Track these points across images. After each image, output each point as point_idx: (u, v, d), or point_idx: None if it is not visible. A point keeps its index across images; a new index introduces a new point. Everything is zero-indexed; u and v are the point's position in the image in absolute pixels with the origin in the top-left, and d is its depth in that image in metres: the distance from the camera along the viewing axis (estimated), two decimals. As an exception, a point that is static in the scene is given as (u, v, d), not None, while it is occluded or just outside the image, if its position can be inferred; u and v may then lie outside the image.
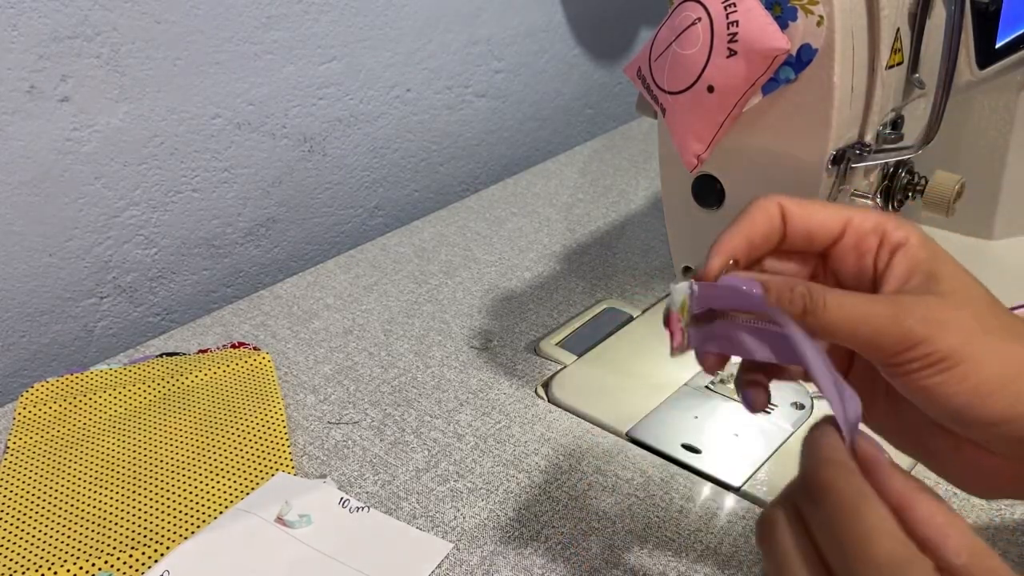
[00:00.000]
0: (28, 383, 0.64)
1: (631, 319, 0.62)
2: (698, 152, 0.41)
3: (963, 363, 0.30)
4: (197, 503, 0.48)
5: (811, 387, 0.53)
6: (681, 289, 0.33)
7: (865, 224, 0.33)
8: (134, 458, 0.51)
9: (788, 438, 0.50)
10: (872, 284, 0.33)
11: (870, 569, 0.26)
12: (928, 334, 0.30)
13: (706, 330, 0.33)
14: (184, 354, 0.61)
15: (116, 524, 0.47)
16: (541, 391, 0.56)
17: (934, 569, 0.26)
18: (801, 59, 0.38)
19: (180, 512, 0.47)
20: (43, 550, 0.45)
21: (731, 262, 0.33)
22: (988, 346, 0.30)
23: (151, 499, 0.48)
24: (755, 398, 0.33)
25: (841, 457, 0.29)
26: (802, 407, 0.52)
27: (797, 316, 0.31)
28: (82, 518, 0.47)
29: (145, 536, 0.46)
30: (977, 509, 0.45)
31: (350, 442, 0.52)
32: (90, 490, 0.49)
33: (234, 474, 0.50)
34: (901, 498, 0.28)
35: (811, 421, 0.51)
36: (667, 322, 0.33)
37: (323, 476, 0.50)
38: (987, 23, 0.49)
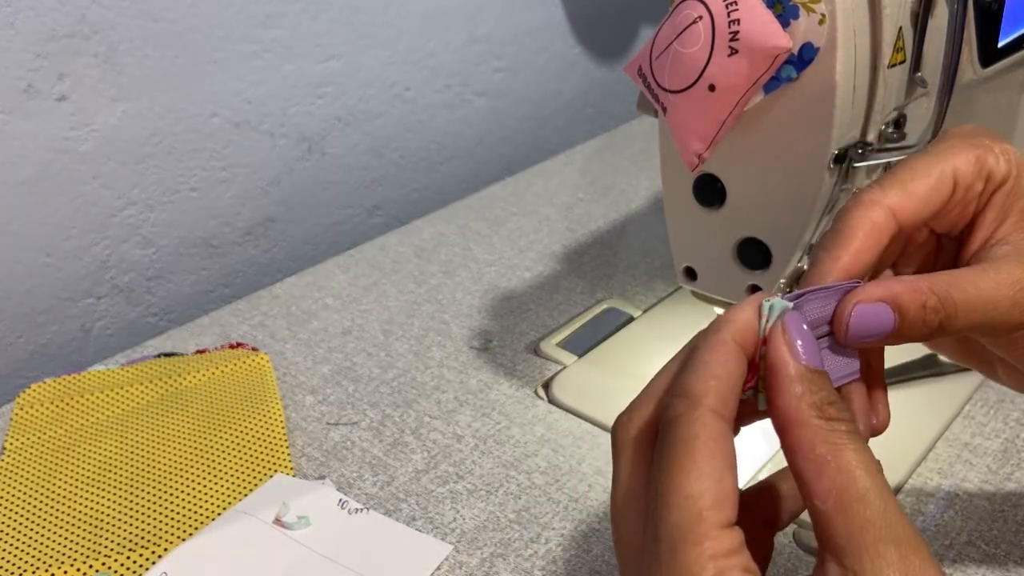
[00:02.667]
0: (25, 383, 0.63)
1: (632, 319, 0.62)
2: (699, 151, 0.41)
3: None
4: (195, 504, 0.47)
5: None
6: (777, 308, 0.27)
7: (968, 173, 0.30)
8: (132, 459, 0.51)
9: (789, 439, 0.50)
10: (969, 225, 0.32)
11: (660, 531, 0.24)
12: None
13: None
14: (182, 354, 0.60)
15: (114, 525, 0.46)
16: (541, 392, 0.56)
17: (725, 554, 0.24)
18: (803, 58, 0.38)
19: (178, 513, 0.47)
20: (41, 551, 0.45)
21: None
22: None
23: (149, 500, 0.48)
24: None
25: (712, 376, 0.26)
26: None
27: (928, 335, 0.29)
28: (80, 519, 0.47)
29: (143, 537, 0.46)
30: (980, 510, 0.45)
31: (349, 443, 0.52)
32: (88, 491, 0.49)
33: (232, 475, 0.49)
34: (786, 418, 0.26)
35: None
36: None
37: (322, 477, 0.49)
38: (990, 22, 0.48)
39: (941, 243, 0.34)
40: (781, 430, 0.26)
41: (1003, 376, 0.34)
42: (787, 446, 0.25)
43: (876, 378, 0.32)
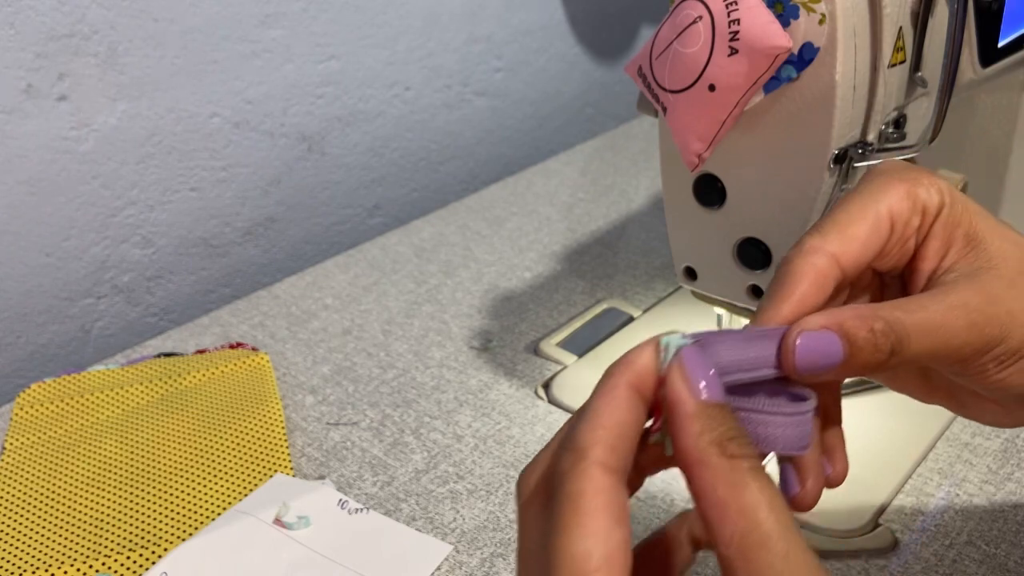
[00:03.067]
0: (25, 384, 0.64)
1: (632, 319, 0.62)
2: (699, 151, 0.41)
3: None
4: (195, 504, 0.47)
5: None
6: (674, 344, 0.25)
7: (903, 210, 0.30)
8: (132, 459, 0.51)
9: (789, 439, 0.50)
10: (910, 259, 0.31)
11: None
12: (1003, 334, 0.28)
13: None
14: (182, 354, 0.60)
15: (114, 525, 0.46)
16: (541, 392, 0.56)
17: None
18: (803, 58, 0.38)
19: (178, 513, 0.47)
20: (41, 552, 0.45)
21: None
22: None
23: (149, 500, 0.48)
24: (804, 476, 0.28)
25: (599, 426, 0.25)
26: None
27: (883, 362, 0.27)
28: (80, 519, 0.47)
29: (143, 537, 0.45)
30: (980, 510, 0.45)
31: (349, 443, 0.52)
32: (88, 491, 0.49)
33: (232, 475, 0.49)
34: (686, 458, 0.24)
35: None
36: (657, 412, 0.26)
37: (322, 477, 0.49)
38: (990, 22, 0.48)
39: (885, 283, 0.34)
40: (684, 471, 0.24)
41: (974, 410, 0.33)
42: (691, 488, 0.24)
43: (832, 422, 0.32)
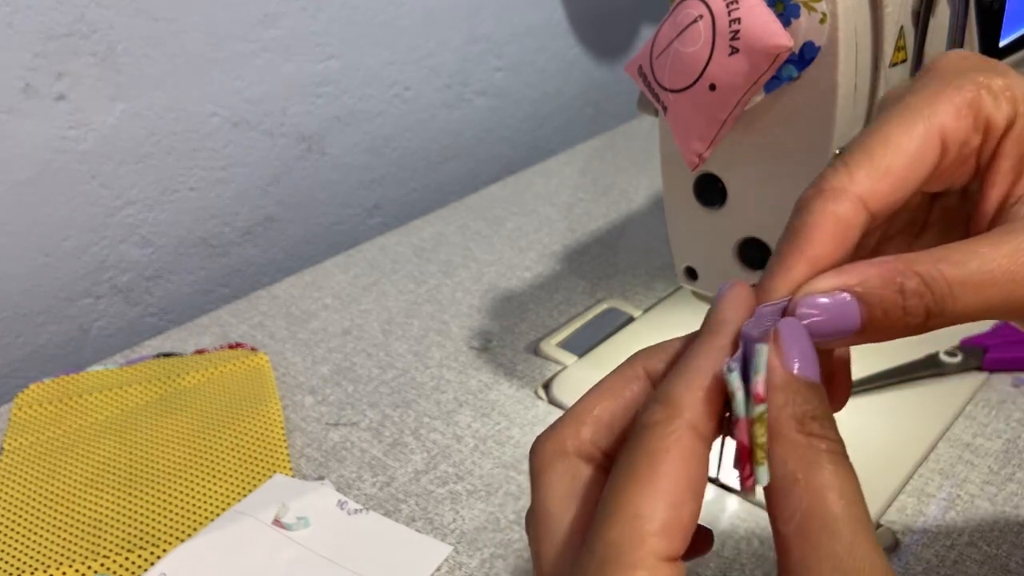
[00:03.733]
0: (23, 384, 0.63)
1: (632, 319, 0.62)
2: (699, 151, 0.41)
3: None
4: (194, 505, 0.47)
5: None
6: (762, 355, 0.22)
7: (959, 129, 0.24)
8: (131, 459, 0.51)
9: (790, 439, 0.50)
10: (970, 184, 0.26)
11: (595, 544, 0.21)
12: None
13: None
14: (181, 355, 0.60)
15: (113, 526, 0.46)
16: (541, 392, 0.56)
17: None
18: (804, 57, 0.38)
19: (177, 514, 0.47)
20: (39, 552, 0.45)
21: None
22: None
23: (148, 501, 0.48)
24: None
25: (700, 386, 0.22)
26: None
27: (918, 326, 0.23)
28: (78, 520, 0.47)
29: (142, 538, 0.45)
30: (981, 511, 0.45)
31: (348, 443, 0.52)
32: (86, 492, 0.49)
33: (231, 476, 0.49)
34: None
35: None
36: (732, 433, 0.22)
37: (321, 478, 0.49)
38: (991, 21, 0.48)
39: (946, 204, 0.28)
40: None
41: None
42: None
43: (840, 387, 0.28)
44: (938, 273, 0.23)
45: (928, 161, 0.24)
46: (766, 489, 0.22)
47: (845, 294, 0.23)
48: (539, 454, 0.25)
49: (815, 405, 0.22)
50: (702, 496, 0.22)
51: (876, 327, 0.23)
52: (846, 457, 0.22)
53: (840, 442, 0.22)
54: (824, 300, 0.23)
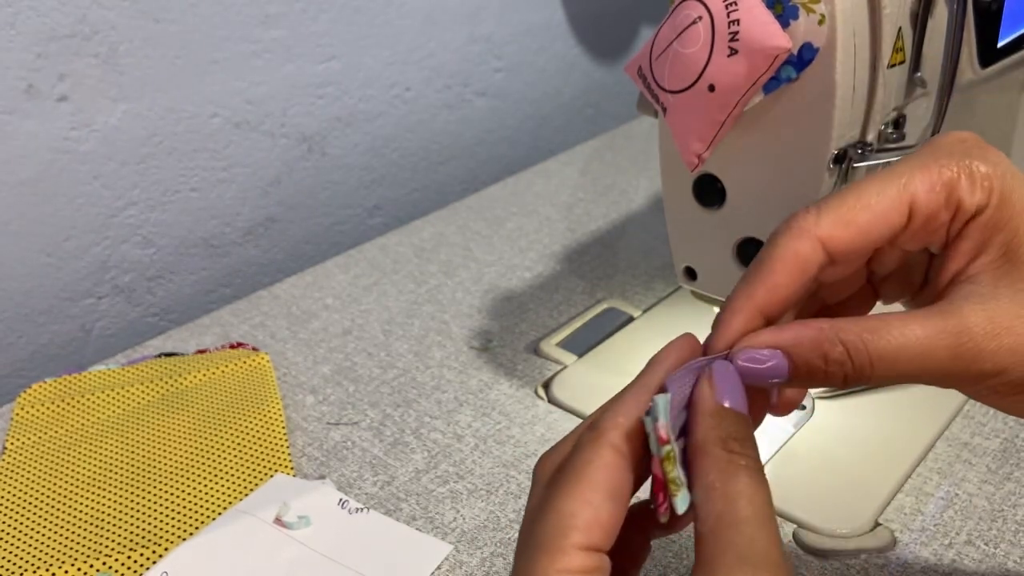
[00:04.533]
0: (26, 384, 0.64)
1: (632, 319, 0.62)
2: (699, 151, 0.41)
3: None
4: (196, 504, 0.47)
5: (812, 388, 0.53)
6: (660, 404, 0.26)
7: (929, 203, 0.27)
8: (132, 459, 0.51)
9: (789, 439, 0.50)
10: (935, 257, 0.28)
11: (529, 538, 0.26)
12: (999, 368, 0.26)
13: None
14: (182, 354, 0.61)
15: (114, 525, 0.46)
16: (541, 391, 0.56)
17: (575, 571, 0.25)
18: (803, 58, 0.38)
19: (179, 513, 0.47)
20: (41, 551, 0.45)
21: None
22: None
23: (150, 500, 0.48)
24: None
25: (620, 414, 0.27)
26: (803, 407, 0.52)
27: (838, 385, 0.27)
28: (80, 519, 0.47)
29: (144, 537, 0.46)
30: (979, 510, 0.45)
31: (349, 443, 0.52)
32: (88, 491, 0.49)
33: (233, 475, 0.49)
34: (692, 450, 0.26)
35: (813, 422, 0.51)
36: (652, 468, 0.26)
37: (322, 477, 0.49)
38: (989, 22, 0.48)
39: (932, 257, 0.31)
40: (691, 463, 0.26)
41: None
42: (690, 477, 0.26)
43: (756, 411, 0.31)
44: (862, 345, 0.26)
45: (892, 222, 0.27)
46: (695, 498, 0.26)
47: (778, 351, 0.27)
48: (538, 468, 0.29)
49: (738, 429, 0.26)
50: (623, 500, 0.26)
51: (800, 381, 0.27)
52: (761, 472, 0.26)
53: (757, 460, 0.26)
54: (759, 354, 0.27)
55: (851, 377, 0.26)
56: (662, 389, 0.27)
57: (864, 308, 0.33)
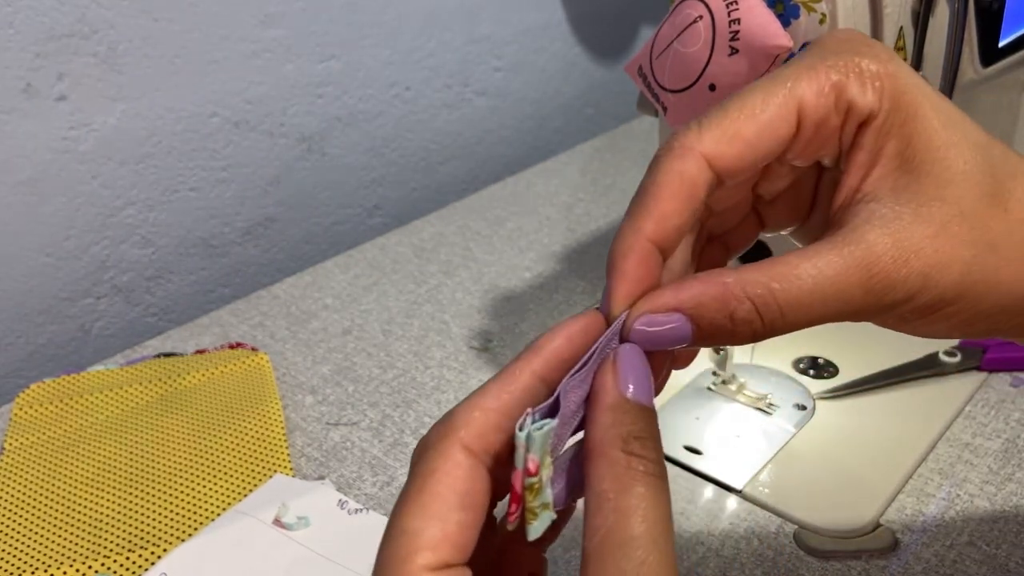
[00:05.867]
0: (24, 384, 0.63)
1: (631, 319, 0.62)
2: (699, 151, 0.41)
3: (958, 301, 0.24)
4: (195, 505, 0.47)
5: (813, 389, 0.53)
6: (538, 441, 0.23)
7: (818, 107, 0.24)
8: (131, 459, 0.51)
9: (790, 439, 0.50)
10: (830, 166, 0.26)
11: (376, 562, 0.23)
12: (910, 293, 0.23)
13: (565, 463, 0.25)
14: (181, 355, 0.60)
15: (113, 526, 0.46)
16: (541, 392, 0.56)
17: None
18: (804, 57, 0.38)
19: (178, 514, 0.47)
20: (40, 552, 0.45)
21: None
22: (990, 266, 0.23)
23: (148, 501, 0.48)
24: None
25: (476, 407, 0.24)
26: (804, 408, 0.52)
27: (746, 341, 0.24)
28: (79, 520, 0.47)
29: (142, 538, 0.45)
30: (981, 511, 0.45)
31: (349, 443, 0.52)
32: (87, 492, 0.49)
33: (232, 475, 0.49)
34: (589, 447, 0.23)
35: (814, 422, 0.51)
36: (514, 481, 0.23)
37: (321, 477, 0.49)
38: (990, 21, 0.48)
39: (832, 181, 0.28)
40: (585, 461, 0.23)
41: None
42: (585, 478, 0.23)
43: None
44: (771, 298, 0.23)
45: (781, 132, 0.24)
46: (585, 504, 0.23)
47: (678, 314, 0.24)
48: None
49: (641, 427, 0.23)
50: (478, 507, 0.23)
51: (705, 342, 0.24)
52: (663, 480, 0.23)
53: (660, 463, 0.23)
54: (658, 319, 0.24)
55: (760, 334, 0.24)
56: (551, 389, 0.24)
57: (750, 237, 0.30)
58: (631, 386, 0.24)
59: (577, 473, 0.24)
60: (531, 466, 0.23)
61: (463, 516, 0.23)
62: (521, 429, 0.23)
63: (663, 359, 0.27)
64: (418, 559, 0.22)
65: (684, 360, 0.29)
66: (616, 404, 0.23)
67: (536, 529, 0.23)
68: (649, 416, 0.24)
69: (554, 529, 0.25)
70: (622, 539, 0.21)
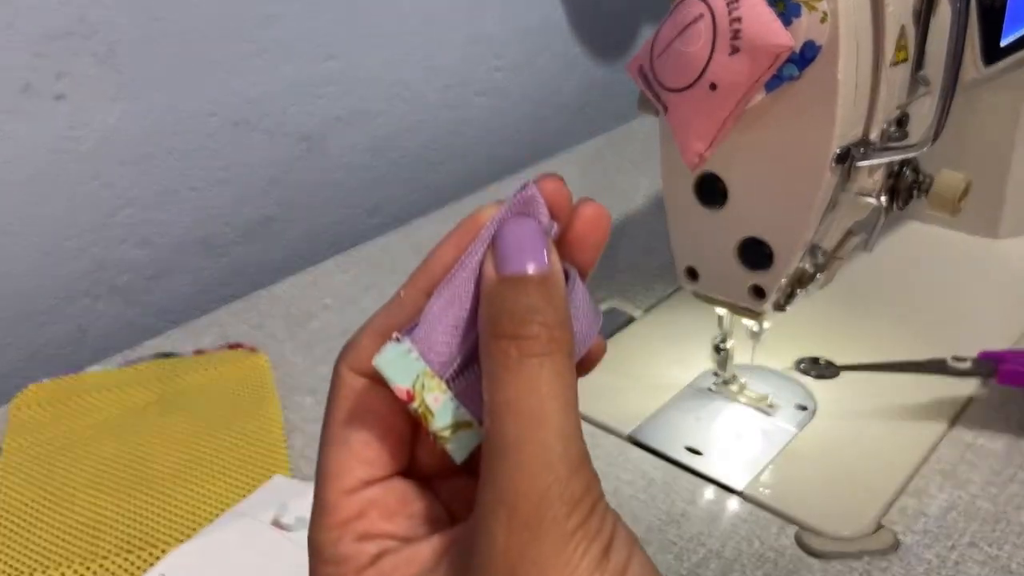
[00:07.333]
0: (22, 384, 0.63)
1: (632, 319, 0.62)
2: (700, 150, 0.41)
3: None
4: (193, 506, 0.47)
5: (814, 389, 0.53)
6: (385, 360, 0.22)
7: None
8: (130, 460, 0.51)
9: (791, 440, 0.49)
10: None
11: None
12: None
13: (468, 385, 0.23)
14: (180, 355, 0.60)
15: (112, 527, 0.46)
16: (541, 392, 0.55)
17: (339, 524, 0.23)
18: (805, 56, 0.38)
19: (176, 515, 0.47)
20: (38, 554, 0.45)
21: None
22: None
23: (147, 502, 0.48)
24: None
25: (370, 325, 0.25)
26: (804, 408, 0.51)
27: None
28: (77, 521, 0.47)
29: (141, 539, 0.45)
30: (983, 512, 0.44)
31: (348, 444, 0.52)
32: (85, 493, 0.49)
33: (230, 476, 0.49)
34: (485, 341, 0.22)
35: (815, 423, 0.51)
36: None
37: (321, 478, 0.49)
38: (992, 20, 0.48)
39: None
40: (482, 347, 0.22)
41: None
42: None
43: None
44: None
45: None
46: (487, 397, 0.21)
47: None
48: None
49: (533, 299, 0.21)
50: (381, 423, 0.23)
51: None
52: (560, 351, 0.21)
53: (560, 329, 0.21)
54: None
55: None
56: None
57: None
58: (511, 259, 0.22)
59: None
60: (400, 394, 0.22)
61: (362, 434, 0.23)
62: (379, 353, 0.22)
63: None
64: (333, 485, 0.23)
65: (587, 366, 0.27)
66: (496, 285, 0.22)
67: (457, 452, 0.22)
68: (539, 284, 0.22)
69: None
70: (520, 441, 0.20)
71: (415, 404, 0.22)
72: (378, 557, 0.22)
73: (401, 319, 0.24)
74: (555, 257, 0.23)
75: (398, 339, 0.23)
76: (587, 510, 0.20)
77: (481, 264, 0.24)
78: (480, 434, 0.22)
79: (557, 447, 0.20)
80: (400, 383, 0.22)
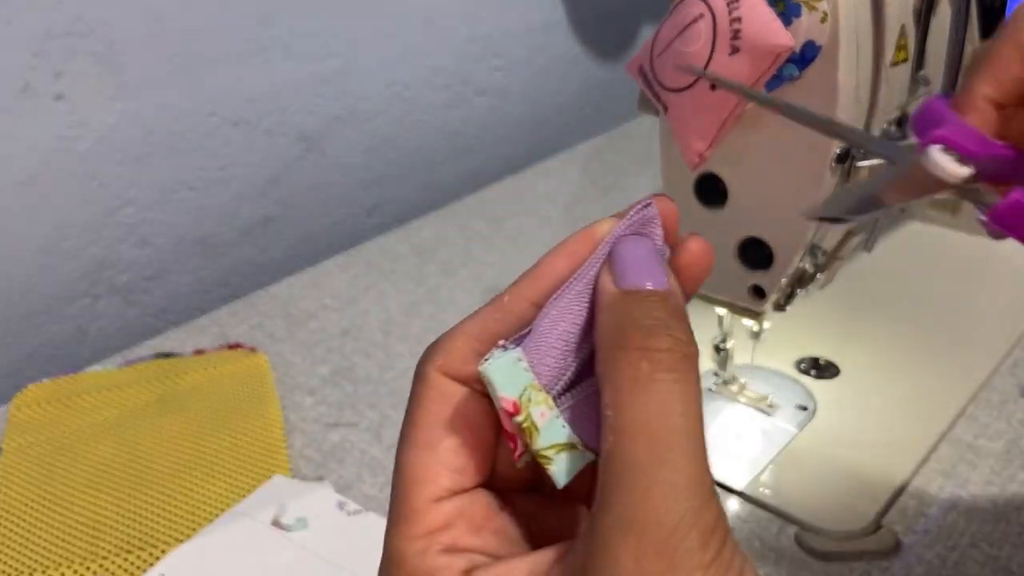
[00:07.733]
0: (22, 384, 0.63)
1: (632, 319, 0.62)
2: (700, 150, 0.41)
3: None
4: (193, 506, 0.47)
5: (814, 389, 0.53)
6: (494, 368, 0.21)
7: None
8: (129, 460, 0.51)
9: (791, 440, 0.49)
10: None
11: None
12: None
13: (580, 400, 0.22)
14: (180, 355, 0.60)
15: (111, 527, 0.46)
16: (541, 392, 0.55)
17: (426, 533, 0.21)
18: (805, 56, 0.38)
19: (176, 515, 0.47)
20: (38, 554, 0.45)
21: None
22: None
23: (147, 502, 0.48)
24: None
25: (462, 331, 0.23)
26: (805, 408, 0.51)
27: None
28: (77, 521, 0.47)
29: (141, 539, 0.45)
30: (983, 512, 0.44)
31: (348, 444, 0.52)
32: (85, 493, 0.49)
33: (230, 477, 0.49)
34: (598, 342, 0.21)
35: (815, 423, 0.51)
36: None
37: (320, 478, 0.49)
38: (992, 20, 0.48)
39: None
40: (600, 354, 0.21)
41: None
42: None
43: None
44: None
45: None
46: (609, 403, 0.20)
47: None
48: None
49: (658, 313, 0.20)
50: (473, 430, 0.22)
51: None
52: (689, 364, 0.20)
53: (687, 345, 0.20)
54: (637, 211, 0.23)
55: None
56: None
57: None
58: (632, 274, 0.21)
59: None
60: (506, 405, 0.21)
61: (453, 441, 0.22)
62: (485, 360, 0.21)
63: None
64: (418, 493, 0.21)
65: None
66: (619, 297, 0.21)
67: (559, 474, 0.21)
68: (665, 299, 0.21)
69: None
70: (639, 463, 0.19)
71: (520, 417, 0.21)
72: (467, 573, 0.21)
73: (502, 326, 0.23)
74: (674, 280, 0.22)
75: (506, 347, 0.22)
76: (720, 542, 0.19)
77: (596, 278, 0.22)
78: (586, 457, 0.21)
79: (690, 473, 0.19)
80: (506, 393, 0.21)
